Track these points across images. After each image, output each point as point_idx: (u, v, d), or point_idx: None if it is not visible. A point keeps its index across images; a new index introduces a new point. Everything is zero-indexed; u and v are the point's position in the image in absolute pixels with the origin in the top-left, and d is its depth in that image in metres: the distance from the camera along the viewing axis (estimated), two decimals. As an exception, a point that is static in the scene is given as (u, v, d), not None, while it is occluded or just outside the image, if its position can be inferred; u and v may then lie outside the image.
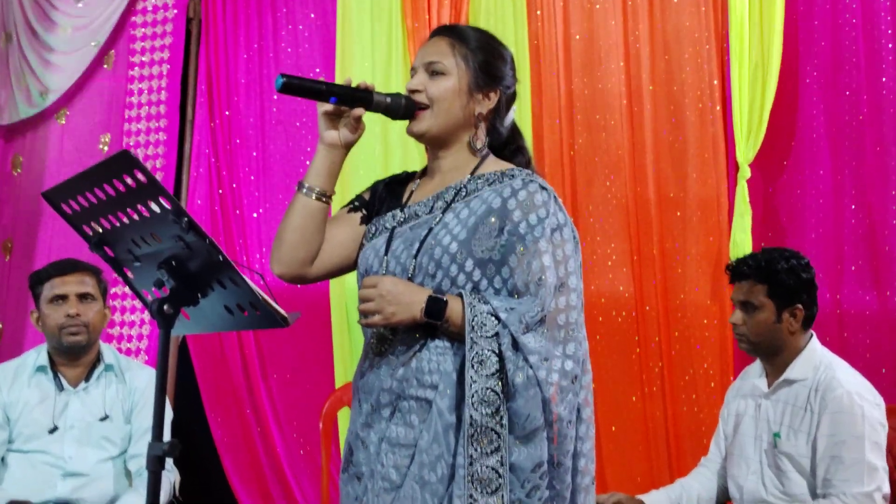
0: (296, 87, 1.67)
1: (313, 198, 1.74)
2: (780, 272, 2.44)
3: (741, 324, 2.48)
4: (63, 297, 2.64)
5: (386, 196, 1.87)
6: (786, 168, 3.42)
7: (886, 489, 2.34)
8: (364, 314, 1.65)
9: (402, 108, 1.73)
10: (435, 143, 1.80)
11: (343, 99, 1.69)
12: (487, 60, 1.77)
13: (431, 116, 1.74)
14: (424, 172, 1.87)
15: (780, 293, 2.44)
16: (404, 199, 1.84)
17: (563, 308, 1.64)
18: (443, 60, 1.75)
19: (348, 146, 1.76)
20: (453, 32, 1.81)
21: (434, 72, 1.75)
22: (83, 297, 2.65)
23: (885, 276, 3.20)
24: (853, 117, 3.31)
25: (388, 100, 1.71)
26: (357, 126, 1.74)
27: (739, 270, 2.52)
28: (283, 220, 1.76)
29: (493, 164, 1.79)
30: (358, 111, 1.71)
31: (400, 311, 1.62)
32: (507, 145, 1.85)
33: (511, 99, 1.84)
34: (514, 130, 1.88)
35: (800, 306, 2.45)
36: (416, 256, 1.68)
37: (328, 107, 1.71)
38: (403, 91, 1.76)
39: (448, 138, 1.78)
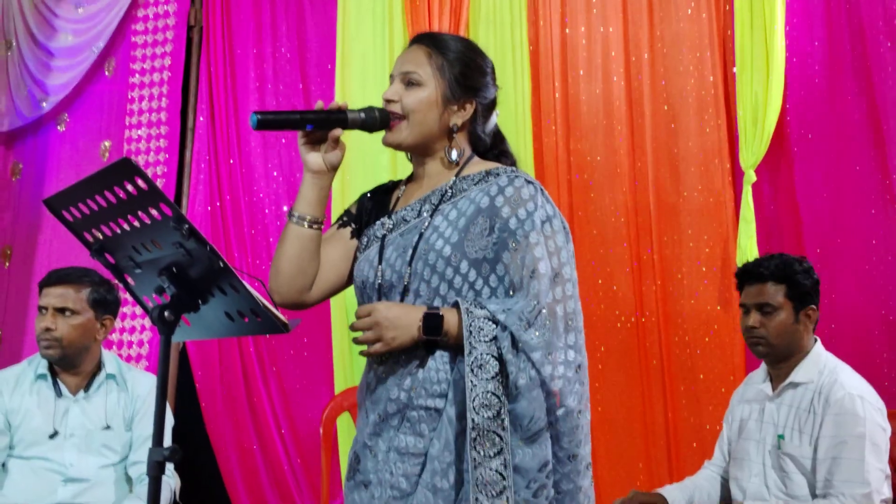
0: (271, 121, 1.68)
1: (305, 226, 1.73)
2: (798, 273, 2.46)
3: (759, 326, 2.46)
4: (44, 309, 2.65)
5: (373, 206, 1.87)
6: (791, 172, 3.41)
7: (888, 493, 2.35)
8: (364, 343, 1.64)
9: (377, 121, 1.73)
10: (414, 152, 1.81)
11: (319, 124, 1.70)
12: (464, 72, 1.77)
13: (406, 127, 1.74)
14: (410, 178, 1.87)
15: (798, 294, 2.45)
16: (391, 207, 1.85)
17: (560, 299, 1.64)
18: (418, 70, 1.75)
19: (334, 168, 1.75)
20: (432, 41, 1.80)
21: (410, 82, 1.75)
22: (60, 311, 2.64)
23: (891, 283, 3.20)
24: (858, 120, 3.30)
25: (363, 115, 1.71)
26: (337, 146, 1.73)
27: (755, 272, 2.49)
28: (278, 250, 1.76)
29: (478, 165, 1.80)
30: (336, 132, 1.70)
31: (400, 335, 1.62)
32: (491, 150, 1.86)
33: (490, 107, 1.83)
34: (498, 135, 1.88)
35: (813, 307, 2.47)
36: (410, 263, 1.69)
37: (306, 134, 1.71)
38: (380, 102, 1.76)
39: (425, 148, 1.78)
